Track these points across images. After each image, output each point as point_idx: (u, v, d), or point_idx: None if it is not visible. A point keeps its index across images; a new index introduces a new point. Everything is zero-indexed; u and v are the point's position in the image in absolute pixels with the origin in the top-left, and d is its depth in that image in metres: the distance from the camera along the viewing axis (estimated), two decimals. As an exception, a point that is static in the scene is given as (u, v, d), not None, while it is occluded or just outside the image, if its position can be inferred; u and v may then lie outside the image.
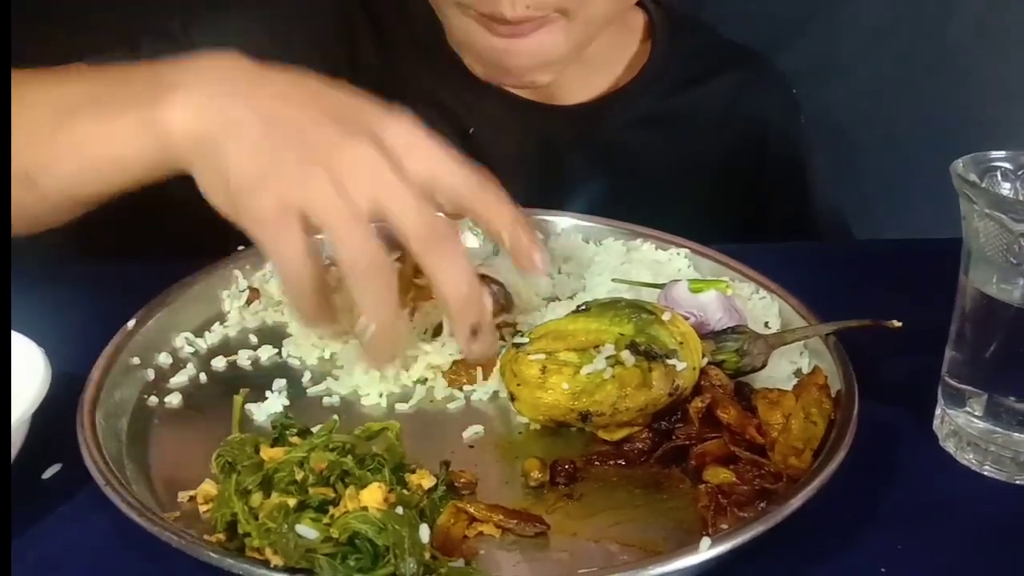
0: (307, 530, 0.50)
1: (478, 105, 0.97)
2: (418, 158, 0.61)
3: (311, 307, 0.62)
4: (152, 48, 0.90)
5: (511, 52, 0.85)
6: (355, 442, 0.57)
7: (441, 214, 0.62)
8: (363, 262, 0.58)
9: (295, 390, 0.68)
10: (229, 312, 0.76)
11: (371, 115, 0.62)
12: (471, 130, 0.97)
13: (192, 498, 0.57)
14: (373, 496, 0.52)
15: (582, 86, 0.99)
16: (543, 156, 0.99)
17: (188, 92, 0.62)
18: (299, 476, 0.54)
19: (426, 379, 0.69)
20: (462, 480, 0.59)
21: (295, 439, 0.58)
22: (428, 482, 0.56)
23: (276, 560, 0.50)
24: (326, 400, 0.67)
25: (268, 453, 0.56)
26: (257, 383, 0.68)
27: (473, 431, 0.64)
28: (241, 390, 0.67)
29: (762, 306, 0.75)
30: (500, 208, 0.64)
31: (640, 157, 1.01)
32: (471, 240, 0.85)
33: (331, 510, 0.52)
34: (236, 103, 0.61)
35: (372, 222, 0.59)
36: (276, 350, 0.72)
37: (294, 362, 0.71)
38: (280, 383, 0.68)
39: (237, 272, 0.78)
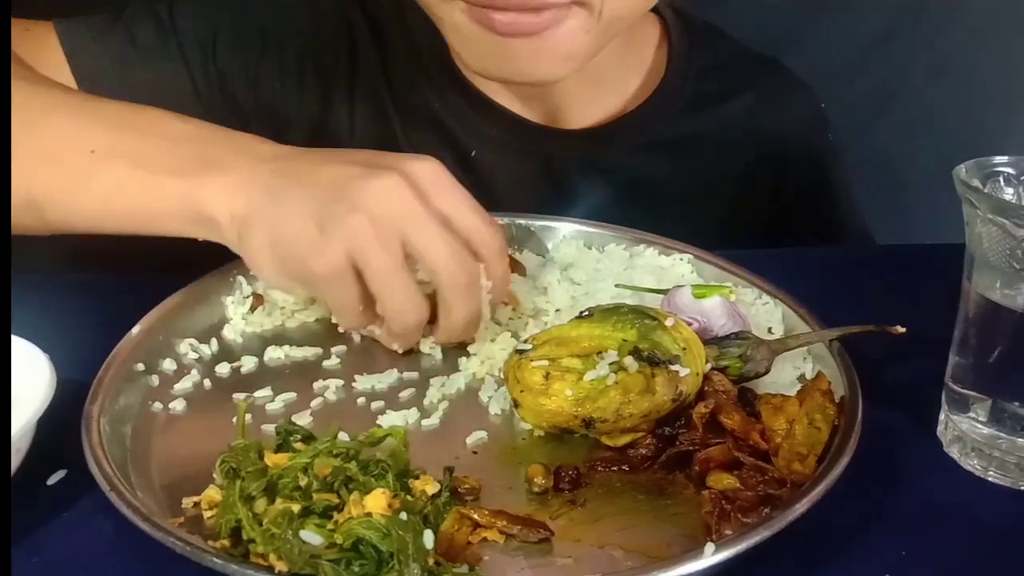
0: (311, 536, 0.50)
1: (481, 127, 0.93)
2: (442, 197, 0.66)
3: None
4: (131, 23, 0.88)
5: (514, 47, 0.76)
6: (359, 447, 0.57)
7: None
8: (401, 306, 0.66)
9: (299, 395, 0.68)
10: (233, 318, 0.76)
11: (398, 158, 0.67)
12: (472, 153, 0.93)
13: (196, 504, 0.57)
14: (377, 502, 0.52)
15: (590, 108, 0.94)
16: (548, 182, 0.94)
17: (227, 172, 0.66)
18: (303, 482, 0.54)
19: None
20: (466, 486, 0.59)
21: (299, 445, 0.58)
22: (432, 488, 0.56)
23: (280, 566, 0.50)
24: (330, 405, 0.67)
25: (272, 459, 0.56)
26: (261, 389, 0.68)
27: (477, 437, 0.64)
28: (245, 395, 0.67)
29: (765, 311, 0.75)
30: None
31: (651, 183, 0.95)
32: None
33: (335, 516, 0.52)
34: (273, 176, 0.66)
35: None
36: (280, 355, 0.72)
37: (297, 367, 0.71)
38: (284, 388, 0.68)
39: (241, 278, 0.78)
